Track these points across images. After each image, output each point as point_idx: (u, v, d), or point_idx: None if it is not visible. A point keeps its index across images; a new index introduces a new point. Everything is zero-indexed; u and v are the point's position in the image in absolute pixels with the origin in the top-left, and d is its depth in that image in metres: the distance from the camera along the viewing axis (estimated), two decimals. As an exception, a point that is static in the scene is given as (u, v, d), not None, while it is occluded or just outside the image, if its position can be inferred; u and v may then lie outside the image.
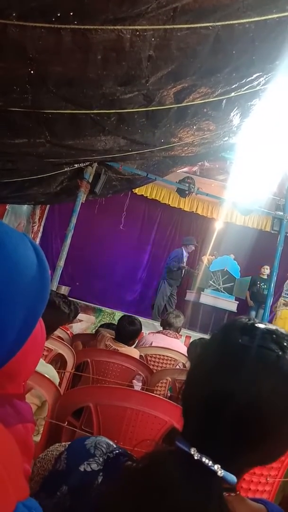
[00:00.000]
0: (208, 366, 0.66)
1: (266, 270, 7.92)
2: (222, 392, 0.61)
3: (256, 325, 0.66)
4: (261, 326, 0.66)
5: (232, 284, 7.83)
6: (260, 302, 7.85)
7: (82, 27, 2.25)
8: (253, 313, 7.98)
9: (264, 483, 1.60)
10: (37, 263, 0.59)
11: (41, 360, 1.73)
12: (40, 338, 0.96)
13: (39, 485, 0.70)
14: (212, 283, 7.73)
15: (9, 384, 0.80)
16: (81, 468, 0.66)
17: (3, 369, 0.85)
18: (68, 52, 2.47)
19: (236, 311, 7.72)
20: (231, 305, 7.69)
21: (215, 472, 0.58)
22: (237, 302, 7.74)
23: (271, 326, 0.67)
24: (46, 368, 1.72)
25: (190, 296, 7.94)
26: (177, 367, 3.28)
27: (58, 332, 3.15)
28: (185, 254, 7.65)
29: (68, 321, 2.18)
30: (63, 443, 0.80)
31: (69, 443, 0.75)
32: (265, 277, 7.87)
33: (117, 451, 0.70)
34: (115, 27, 2.28)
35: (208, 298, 7.56)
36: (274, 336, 0.64)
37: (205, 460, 0.58)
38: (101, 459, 0.68)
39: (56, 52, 2.47)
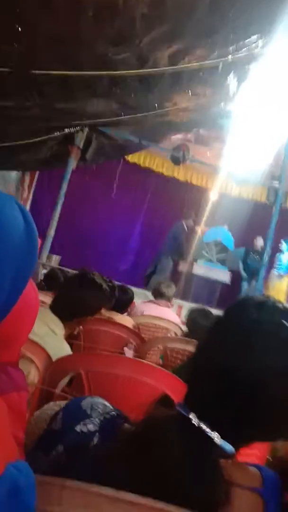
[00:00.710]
0: (221, 338, 0.67)
1: (260, 241, 7.92)
2: (233, 363, 0.61)
3: (271, 302, 0.67)
4: (278, 304, 0.66)
5: (226, 255, 7.84)
6: (252, 274, 7.83)
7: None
8: (245, 284, 8.00)
9: (253, 446, 1.63)
10: (24, 225, 0.58)
11: (60, 337, 1.70)
12: (34, 305, 0.95)
13: (34, 444, 0.70)
14: (205, 254, 7.74)
15: (4, 352, 0.81)
16: (77, 429, 0.66)
17: None
18: (58, 8, 2.36)
19: (229, 283, 7.77)
20: (225, 276, 7.72)
21: (212, 439, 0.58)
22: (230, 273, 7.78)
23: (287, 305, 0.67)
24: (64, 345, 1.71)
25: (183, 266, 7.96)
26: (168, 335, 3.31)
27: (48, 300, 3.14)
28: (185, 228, 7.56)
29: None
30: (57, 402, 0.79)
31: (64, 402, 0.75)
32: (258, 248, 7.88)
33: (113, 413, 0.70)
34: (108, -19, 2.16)
35: (201, 269, 7.56)
36: None
37: (203, 426, 0.59)
38: (97, 420, 0.68)
39: (46, 9, 2.35)
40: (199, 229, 7.89)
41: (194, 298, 7.41)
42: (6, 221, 0.55)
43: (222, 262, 7.79)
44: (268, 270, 7.18)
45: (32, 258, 0.61)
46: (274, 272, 7.26)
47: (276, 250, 7.13)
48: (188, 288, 7.62)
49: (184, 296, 7.31)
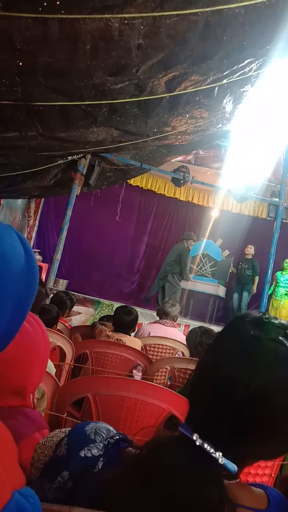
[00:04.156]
0: (219, 355, 0.67)
1: (250, 249, 7.66)
2: (231, 380, 0.61)
3: (269, 319, 0.67)
4: (274, 320, 0.67)
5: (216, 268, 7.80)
6: (242, 284, 7.64)
7: (70, 16, 2.21)
8: (235, 296, 7.77)
9: (264, 467, 1.61)
10: (24, 254, 0.59)
11: None
12: (43, 353, 0.99)
13: (40, 471, 0.70)
14: (192, 267, 7.71)
15: (18, 399, 0.87)
16: (82, 454, 0.66)
17: (10, 387, 0.88)
18: (56, 42, 2.44)
19: (224, 296, 7.70)
20: (217, 289, 7.62)
21: (216, 459, 0.58)
22: (225, 288, 7.71)
23: (284, 321, 0.67)
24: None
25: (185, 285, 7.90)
26: (176, 355, 3.29)
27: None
28: (188, 249, 7.46)
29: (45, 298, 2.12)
30: (63, 429, 0.79)
31: (69, 429, 0.75)
32: (250, 257, 7.66)
33: (117, 437, 0.71)
34: (103, 16, 2.24)
35: (191, 283, 7.50)
36: (287, 331, 0.65)
37: (206, 446, 0.59)
38: (101, 445, 0.68)
39: (44, 43, 2.43)
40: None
41: (192, 313, 7.38)
42: (6, 251, 0.55)
43: (214, 275, 7.75)
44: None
45: (33, 286, 0.61)
46: (282, 290, 7.16)
47: (278, 267, 7.04)
48: (187, 305, 7.57)
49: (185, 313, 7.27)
